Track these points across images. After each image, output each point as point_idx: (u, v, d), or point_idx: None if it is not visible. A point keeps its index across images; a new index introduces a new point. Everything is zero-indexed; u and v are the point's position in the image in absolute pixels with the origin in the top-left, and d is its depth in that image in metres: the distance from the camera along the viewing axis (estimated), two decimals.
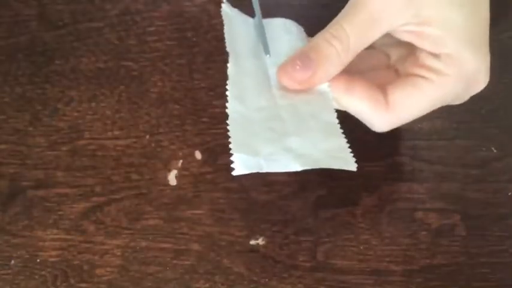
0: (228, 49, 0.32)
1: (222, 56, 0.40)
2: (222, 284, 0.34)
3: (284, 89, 0.30)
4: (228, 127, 0.29)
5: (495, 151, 0.36)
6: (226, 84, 0.31)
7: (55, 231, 0.35)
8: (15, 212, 0.36)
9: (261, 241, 0.34)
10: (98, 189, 0.36)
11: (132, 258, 0.34)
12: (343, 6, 0.30)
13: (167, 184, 0.36)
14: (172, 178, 0.36)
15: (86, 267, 0.34)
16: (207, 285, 0.34)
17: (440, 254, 0.34)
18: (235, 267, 0.34)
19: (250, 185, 0.36)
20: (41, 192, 0.36)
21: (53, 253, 0.35)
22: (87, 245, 0.35)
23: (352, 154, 0.29)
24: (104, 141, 0.38)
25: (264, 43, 0.33)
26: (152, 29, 0.41)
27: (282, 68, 0.29)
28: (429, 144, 0.37)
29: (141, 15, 0.41)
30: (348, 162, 0.28)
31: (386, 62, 0.33)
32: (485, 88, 0.38)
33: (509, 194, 0.35)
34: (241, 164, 0.28)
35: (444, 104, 0.31)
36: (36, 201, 0.36)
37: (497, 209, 0.35)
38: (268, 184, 0.36)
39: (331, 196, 0.35)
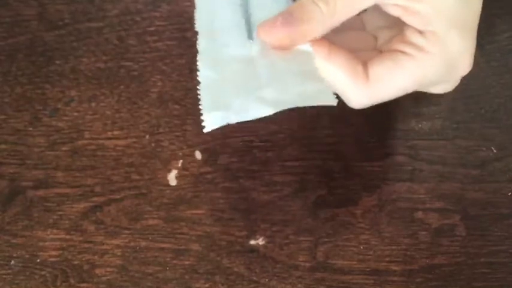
0: (197, 25, 0.32)
1: None
2: (222, 284, 0.34)
3: (264, 48, 0.30)
4: (198, 91, 0.29)
5: (495, 151, 0.36)
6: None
7: (55, 231, 0.35)
8: (15, 212, 0.36)
9: (261, 241, 0.34)
10: (98, 189, 0.36)
11: (132, 258, 0.34)
12: None
13: (167, 184, 0.36)
14: (172, 178, 0.36)
15: (86, 267, 0.34)
16: (207, 285, 0.34)
17: (440, 254, 0.34)
18: (235, 267, 0.34)
19: (250, 185, 0.36)
20: (41, 192, 0.36)
21: (53, 253, 0.35)
22: (87, 245, 0.35)
23: (331, 91, 0.28)
24: (104, 141, 0.38)
25: (247, 24, 0.32)
26: (152, 29, 0.41)
27: (263, 25, 0.29)
28: (429, 144, 0.37)
29: (141, 15, 0.41)
30: (326, 98, 0.28)
31: (373, 44, 0.32)
32: (486, 88, 0.38)
33: (509, 194, 0.35)
34: (212, 121, 0.28)
35: (425, 85, 0.30)
36: (36, 201, 0.36)
37: (497, 209, 0.35)
38: (268, 184, 0.36)
39: (331, 196, 0.35)
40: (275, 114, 0.37)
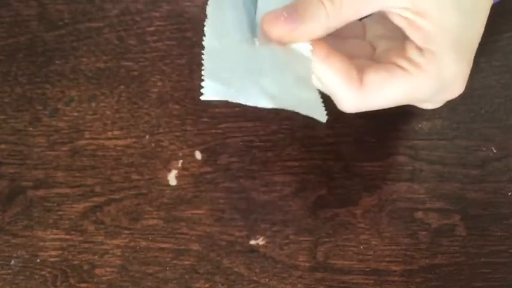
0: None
1: None
2: (222, 284, 0.34)
3: (266, 39, 0.30)
4: (202, 57, 0.28)
5: (495, 151, 0.36)
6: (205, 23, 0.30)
7: (55, 231, 0.35)
8: (15, 212, 0.36)
9: (261, 241, 0.34)
10: (98, 189, 0.36)
11: (132, 258, 0.34)
12: None
13: (167, 184, 0.36)
14: (172, 178, 0.36)
15: (86, 267, 0.34)
16: (207, 285, 0.34)
17: (440, 254, 0.34)
18: (235, 267, 0.34)
19: (250, 185, 0.36)
20: (41, 192, 0.36)
21: (53, 253, 0.35)
22: (87, 245, 0.35)
23: (324, 107, 0.28)
24: (104, 141, 0.38)
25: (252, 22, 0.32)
26: (152, 29, 0.41)
27: (267, 16, 0.29)
28: (429, 144, 0.37)
29: (141, 15, 0.41)
30: (318, 112, 0.28)
31: (370, 53, 0.32)
32: (486, 88, 0.38)
33: (509, 194, 0.35)
34: (211, 90, 0.27)
35: (415, 101, 0.30)
36: (36, 201, 0.36)
37: (497, 209, 0.35)
38: (268, 184, 0.36)
39: (331, 196, 0.35)
40: (275, 114, 0.37)
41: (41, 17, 0.42)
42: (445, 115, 0.37)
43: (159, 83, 0.39)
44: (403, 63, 0.29)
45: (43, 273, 0.34)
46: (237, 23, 0.31)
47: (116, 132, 0.38)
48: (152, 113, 0.39)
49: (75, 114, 0.39)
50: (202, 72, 0.27)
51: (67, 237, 0.35)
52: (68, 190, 0.36)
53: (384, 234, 0.34)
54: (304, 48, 0.29)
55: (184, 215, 0.35)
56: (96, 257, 0.35)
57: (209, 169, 0.37)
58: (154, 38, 0.41)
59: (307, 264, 0.34)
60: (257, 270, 0.34)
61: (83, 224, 0.35)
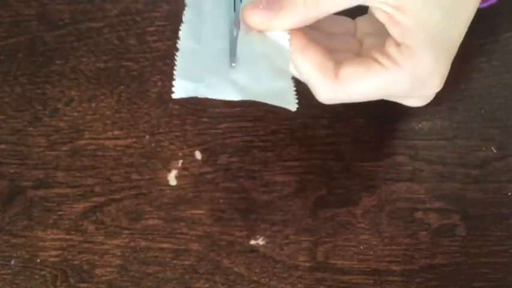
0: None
1: None
2: (222, 284, 0.34)
3: (245, 29, 0.30)
4: (176, 57, 0.30)
5: (495, 151, 0.36)
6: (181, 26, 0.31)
7: (55, 231, 0.35)
8: (15, 212, 0.36)
9: (261, 241, 0.34)
10: (98, 189, 0.36)
11: (132, 258, 0.34)
12: None
13: (167, 184, 0.36)
14: (172, 178, 0.36)
15: (86, 267, 0.34)
16: (207, 285, 0.34)
17: (440, 254, 0.34)
18: (235, 267, 0.34)
19: (250, 185, 0.36)
20: (41, 192, 0.36)
21: (53, 253, 0.35)
22: (87, 245, 0.35)
23: (296, 96, 0.29)
24: (104, 141, 0.38)
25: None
26: (152, 29, 0.41)
27: (247, 5, 0.29)
28: (429, 144, 0.37)
29: (141, 15, 0.41)
30: (288, 102, 0.29)
31: (357, 49, 0.33)
32: (486, 88, 0.38)
33: (509, 194, 0.35)
34: (181, 88, 0.28)
35: (392, 96, 0.31)
36: (36, 201, 0.36)
37: (497, 209, 0.35)
38: (268, 184, 0.36)
39: (331, 196, 0.35)
40: (275, 114, 0.37)
41: (41, 17, 0.42)
42: (445, 115, 0.37)
43: (159, 83, 0.39)
44: (381, 58, 0.29)
45: (43, 273, 0.34)
46: (214, 23, 0.32)
47: (116, 132, 0.38)
48: (152, 113, 0.39)
49: (75, 114, 0.39)
50: (174, 72, 0.29)
51: (67, 237, 0.35)
52: (68, 190, 0.36)
53: (384, 234, 0.34)
54: (282, 38, 0.30)
55: (184, 215, 0.35)
56: (96, 257, 0.35)
57: (209, 169, 0.37)
58: (154, 38, 0.41)
59: (307, 264, 0.34)
60: (257, 270, 0.34)
61: (83, 224, 0.35)
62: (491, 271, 0.33)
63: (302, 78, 0.31)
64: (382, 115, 0.37)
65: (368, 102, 0.32)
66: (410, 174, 0.36)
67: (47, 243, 0.35)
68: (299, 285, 0.33)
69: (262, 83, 0.29)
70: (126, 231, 0.35)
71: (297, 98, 0.29)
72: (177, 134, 0.38)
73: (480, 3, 0.32)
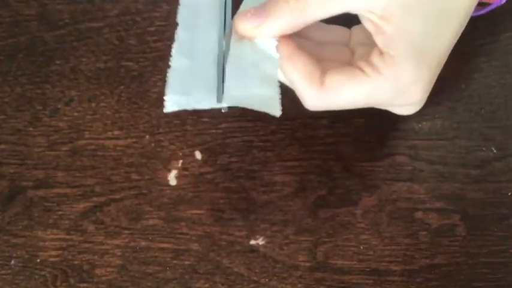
0: (178, 17, 0.34)
1: None
2: (222, 284, 0.34)
3: (236, 38, 0.32)
4: (167, 73, 0.32)
5: (495, 151, 0.36)
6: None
7: (55, 231, 0.35)
8: (15, 212, 0.36)
9: (261, 241, 0.34)
10: (98, 189, 0.36)
11: (132, 258, 0.34)
12: None
13: (167, 184, 0.36)
14: (172, 178, 0.36)
15: (86, 267, 0.34)
16: (207, 285, 0.34)
17: (440, 254, 0.34)
18: (235, 267, 0.34)
19: (250, 185, 0.36)
20: (41, 192, 0.36)
21: (53, 253, 0.35)
22: (87, 245, 0.35)
23: (280, 102, 0.30)
24: (104, 141, 0.38)
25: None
26: (152, 29, 0.41)
27: (238, 13, 0.31)
28: (429, 144, 0.37)
29: (141, 15, 0.41)
30: (272, 108, 0.30)
31: (348, 58, 0.33)
32: (486, 88, 0.38)
33: (509, 194, 0.35)
34: (172, 102, 0.31)
35: (377, 104, 0.31)
36: (36, 201, 0.36)
37: (497, 209, 0.35)
38: (268, 184, 0.36)
39: (331, 196, 0.35)
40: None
41: (41, 17, 0.42)
42: (445, 115, 0.37)
43: (159, 83, 0.39)
44: (365, 66, 0.30)
45: (43, 273, 0.34)
46: (206, 40, 0.33)
47: (116, 132, 0.38)
48: (152, 113, 0.39)
49: (75, 114, 0.39)
50: (166, 88, 0.31)
51: (67, 237, 0.35)
52: (68, 190, 0.36)
53: (384, 234, 0.34)
54: (271, 45, 0.31)
55: (184, 215, 0.35)
56: (96, 257, 0.35)
57: (209, 169, 0.37)
58: (154, 38, 0.41)
59: (307, 264, 0.34)
60: (257, 270, 0.34)
61: (83, 224, 0.35)
62: (491, 271, 0.33)
63: (290, 84, 0.32)
64: (382, 115, 0.37)
65: None
66: (410, 174, 0.36)
67: (47, 243, 0.35)
68: (299, 285, 0.33)
69: (249, 90, 0.31)
70: (126, 231, 0.35)
71: (281, 104, 0.30)
72: (177, 134, 0.38)
73: (476, 11, 0.32)
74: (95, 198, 0.36)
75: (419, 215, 0.35)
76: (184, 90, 0.31)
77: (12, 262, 0.35)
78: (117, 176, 0.37)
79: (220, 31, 0.33)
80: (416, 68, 0.29)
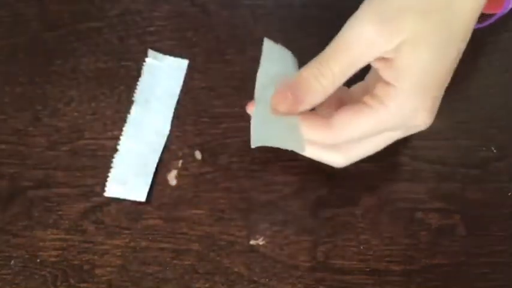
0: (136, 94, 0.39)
1: (222, 56, 0.40)
2: (222, 284, 0.34)
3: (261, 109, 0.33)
4: (113, 159, 0.37)
5: (495, 151, 0.36)
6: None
7: (55, 231, 0.35)
8: (15, 212, 0.36)
9: (261, 241, 0.34)
10: (98, 189, 0.36)
11: (132, 258, 0.34)
12: (343, 7, 0.30)
13: (167, 184, 0.36)
14: (172, 178, 0.36)
15: (86, 267, 0.34)
16: (207, 285, 0.34)
17: (440, 254, 0.34)
18: (235, 267, 0.34)
19: (250, 185, 0.36)
20: (41, 192, 0.36)
21: (53, 253, 0.35)
22: (87, 245, 0.35)
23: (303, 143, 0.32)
24: (104, 141, 0.38)
25: None
26: (152, 29, 0.41)
27: (275, 95, 0.31)
28: (429, 144, 0.37)
29: (141, 15, 0.41)
30: (297, 147, 0.32)
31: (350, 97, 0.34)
32: (486, 88, 0.38)
33: (509, 194, 0.35)
34: (113, 191, 0.36)
35: (386, 131, 0.32)
36: (36, 201, 0.36)
37: (497, 209, 0.35)
38: (268, 184, 0.36)
39: (331, 196, 0.35)
40: None
41: (41, 17, 0.42)
42: (445, 115, 0.37)
43: None
44: (369, 100, 0.30)
45: (43, 273, 0.34)
46: (156, 120, 0.38)
47: (115, 132, 0.38)
48: None
49: (75, 114, 0.39)
50: (111, 173, 0.37)
51: (67, 237, 0.35)
52: (68, 190, 0.36)
53: (384, 234, 0.34)
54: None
55: (184, 215, 0.35)
56: (96, 257, 0.35)
57: (209, 169, 0.37)
58: (154, 38, 0.41)
59: (307, 264, 0.34)
60: (257, 270, 0.34)
61: (83, 224, 0.35)
62: (491, 271, 0.33)
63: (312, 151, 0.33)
64: None
65: None
66: (410, 174, 0.36)
67: (47, 243, 0.35)
68: (299, 285, 0.33)
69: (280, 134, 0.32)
70: (126, 231, 0.35)
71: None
72: (177, 134, 0.38)
73: (478, 23, 0.32)
74: (95, 198, 0.36)
75: (419, 215, 0.35)
76: (125, 179, 0.36)
77: (12, 262, 0.35)
78: None
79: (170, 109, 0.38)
80: (419, 97, 0.30)
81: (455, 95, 0.37)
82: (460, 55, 0.30)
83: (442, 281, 0.33)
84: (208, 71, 0.40)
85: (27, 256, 0.35)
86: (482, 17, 0.36)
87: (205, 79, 0.39)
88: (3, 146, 0.38)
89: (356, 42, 0.29)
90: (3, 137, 0.38)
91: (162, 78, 0.39)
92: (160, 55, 0.40)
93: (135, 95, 0.38)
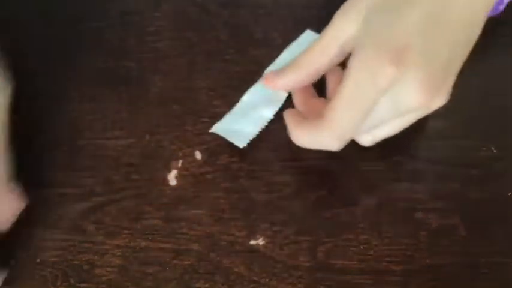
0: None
1: (222, 56, 0.40)
2: (222, 284, 0.34)
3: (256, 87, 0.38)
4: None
5: (495, 151, 0.36)
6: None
7: (55, 231, 0.35)
8: None
9: (261, 241, 0.34)
10: (98, 189, 0.36)
11: (132, 258, 0.34)
12: None
13: (167, 184, 0.36)
14: (172, 178, 0.36)
15: (86, 267, 0.34)
16: (207, 285, 0.34)
17: (440, 254, 0.34)
18: (235, 267, 0.34)
19: (250, 185, 0.36)
20: (41, 192, 0.36)
21: (53, 253, 0.35)
22: (87, 245, 0.35)
23: (250, 139, 0.36)
24: (104, 141, 0.38)
25: None
26: (152, 29, 0.41)
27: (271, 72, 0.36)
28: (429, 144, 0.37)
29: (141, 15, 0.41)
30: (240, 140, 0.36)
31: None
32: (486, 88, 0.38)
33: (509, 194, 0.35)
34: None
35: (371, 96, 0.32)
36: (36, 201, 0.36)
37: (497, 209, 0.35)
38: (268, 184, 0.36)
39: (331, 196, 0.35)
40: (275, 113, 0.37)
41: (41, 17, 0.42)
42: (445, 115, 0.37)
43: (159, 83, 0.39)
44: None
45: (43, 273, 0.34)
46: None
47: (115, 132, 0.38)
48: (152, 113, 0.39)
49: (75, 114, 0.39)
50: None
51: (67, 237, 0.35)
52: (68, 190, 0.36)
53: (383, 234, 0.34)
54: (281, 96, 0.38)
55: (184, 215, 0.35)
56: (96, 257, 0.35)
57: (209, 169, 0.37)
58: (154, 38, 0.41)
59: (307, 264, 0.34)
60: (257, 270, 0.34)
61: (82, 224, 0.35)
62: (491, 271, 0.33)
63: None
64: None
65: None
66: (410, 174, 0.36)
67: (47, 243, 0.35)
68: (299, 285, 0.33)
69: (235, 126, 0.37)
70: (126, 231, 0.35)
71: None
72: (177, 134, 0.38)
73: None
74: (95, 198, 0.36)
75: (419, 215, 0.35)
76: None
77: (12, 262, 0.35)
78: (117, 176, 0.37)
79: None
80: (381, 50, 0.30)
81: (456, 95, 0.37)
82: (470, 45, 0.32)
83: (442, 281, 0.33)
84: (208, 71, 0.40)
85: (27, 256, 0.35)
86: None
87: (205, 79, 0.39)
88: None
89: (329, 31, 0.33)
90: None
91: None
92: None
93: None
